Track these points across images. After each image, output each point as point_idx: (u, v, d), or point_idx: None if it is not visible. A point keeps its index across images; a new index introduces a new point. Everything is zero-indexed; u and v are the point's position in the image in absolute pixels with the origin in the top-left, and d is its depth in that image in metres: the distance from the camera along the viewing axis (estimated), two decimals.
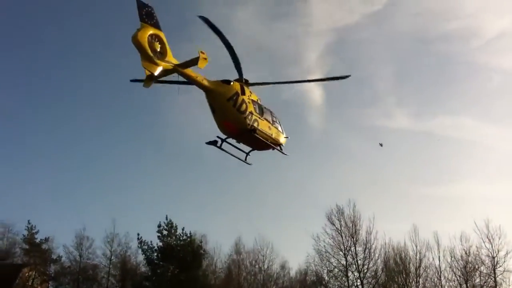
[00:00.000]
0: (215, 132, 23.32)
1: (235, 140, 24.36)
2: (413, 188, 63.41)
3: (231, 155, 24.16)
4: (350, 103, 66.16)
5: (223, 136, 23.51)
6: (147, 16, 18.67)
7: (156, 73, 18.69)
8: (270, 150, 25.00)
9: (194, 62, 19.42)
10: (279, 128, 24.58)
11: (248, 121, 22.34)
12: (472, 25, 65.94)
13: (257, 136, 22.98)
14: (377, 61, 65.55)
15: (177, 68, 19.64)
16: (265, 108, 24.16)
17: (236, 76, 23.20)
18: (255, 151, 25.24)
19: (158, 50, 18.64)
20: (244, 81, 23.30)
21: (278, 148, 25.18)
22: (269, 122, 23.91)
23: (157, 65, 18.57)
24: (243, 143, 24.58)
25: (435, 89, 69.56)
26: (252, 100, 23.24)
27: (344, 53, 65.37)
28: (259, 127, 22.96)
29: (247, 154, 24.70)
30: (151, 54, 18.25)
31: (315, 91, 63.31)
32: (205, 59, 19.30)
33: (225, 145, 23.92)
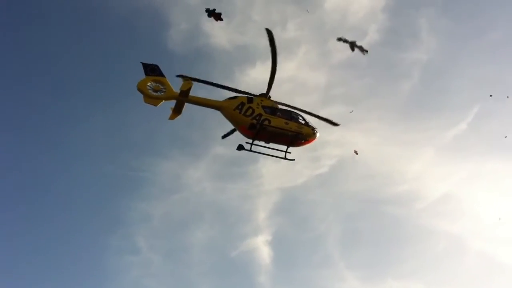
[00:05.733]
0: None
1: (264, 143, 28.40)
2: None
3: (268, 155, 28.16)
4: (300, 264, 66.71)
5: (250, 141, 27.60)
6: (151, 71, 25.75)
7: (158, 106, 25.63)
8: None
9: (182, 87, 25.63)
10: (302, 123, 28.30)
11: (255, 120, 26.80)
12: (417, 188, 66.44)
13: (271, 129, 26.88)
14: (327, 222, 66.17)
15: (182, 99, 25.13)
16: (283, 109, 28.41)
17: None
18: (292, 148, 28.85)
19: (160, 89, 25.48)
20: (262, 95, 28.20)
21: (302, 136, 28.19)
22: (286, 119, 27.84)
23: (158, 99, 25.50)
24: (272, 142, 28.38)
25: (384, 252, 69.41)
26: (263, 106, 27.54)
27: (293, 212, 67.13)
28: (271, 123, 27.04)
29: (286, 151, 28.40)
30: (151, 94, 25.29)
31: (264, 250, 65.75)
32: (188, 83, 25.55)
33: (260, 150, 27.96)
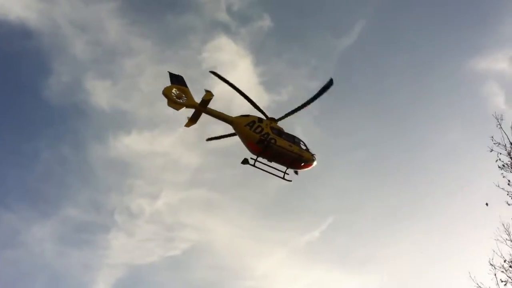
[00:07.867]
0: None
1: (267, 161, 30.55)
2: None
3: (268, 172, 30.20)
4: None
5: (254, 157, 29.80)
6: (177, 81, 28.36)
7: (178, 110, 28.17)
8: None
9: (204, 97, 27.96)
10: (303, 147, 30.56)
11: (263, 137, 29.11)
12: (263, 287, 67.67)
13: (276, 148, 29.16)
14: None
15: (201, 108, 27.64)
16: (288, 133, 30.65)
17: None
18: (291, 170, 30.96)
19: (182, 97, 28.10)
20: (271, 118, 30.62)
21: (302, 159, 30.44)
22: (290, 142, 30.12)
23: (179, 105, 28.05)
24: (274, 161, 30.53)
25: None
26: (272, 127, 29.95)
27: None
28: (277, 143, 29.29)
29: (285, 172, 30.56)
30: (174, 99, 27.90)
31: None
32: (210, 94, 27.91)
33: (262, 167, 29.73)
